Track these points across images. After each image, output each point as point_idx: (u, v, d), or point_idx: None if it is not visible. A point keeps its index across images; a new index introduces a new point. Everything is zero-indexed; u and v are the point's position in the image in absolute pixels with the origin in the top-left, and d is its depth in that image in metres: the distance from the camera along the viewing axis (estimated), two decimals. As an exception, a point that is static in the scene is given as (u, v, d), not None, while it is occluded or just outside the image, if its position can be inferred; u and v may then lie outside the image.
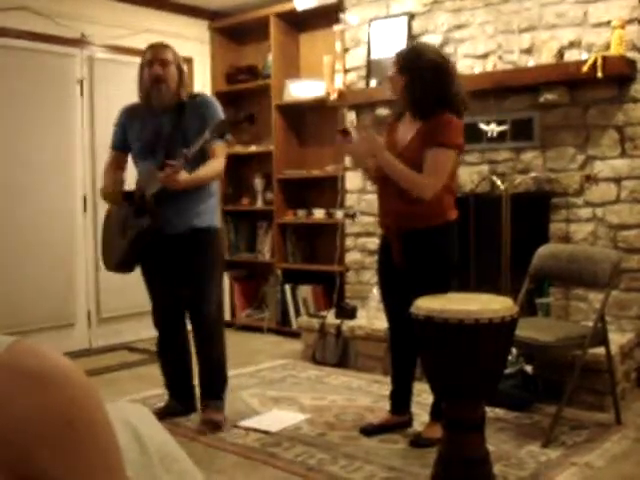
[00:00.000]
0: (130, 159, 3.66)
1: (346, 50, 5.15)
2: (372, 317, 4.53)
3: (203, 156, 3.33)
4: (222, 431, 3.42)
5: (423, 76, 3.05)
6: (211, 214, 3.53)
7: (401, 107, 3.29)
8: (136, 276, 5.41)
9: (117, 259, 3.52)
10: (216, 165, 3.40)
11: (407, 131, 3.19)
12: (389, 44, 4.83)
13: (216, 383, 3.59)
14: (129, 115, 3.58)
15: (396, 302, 3.21)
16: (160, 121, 3.44)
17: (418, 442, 3.18)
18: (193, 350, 3.68)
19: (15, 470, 0.68)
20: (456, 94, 3.10)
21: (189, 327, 3.65)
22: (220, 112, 3.45)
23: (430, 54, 3.12)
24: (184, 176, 3.24)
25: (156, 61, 3.39)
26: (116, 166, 3.64)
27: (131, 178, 3.63)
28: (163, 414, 3.49)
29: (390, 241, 3.25)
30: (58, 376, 0.71)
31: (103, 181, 3.64)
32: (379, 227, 3.49)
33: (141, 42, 5.54)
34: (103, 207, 5.30)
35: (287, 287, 5.64)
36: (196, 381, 3.66)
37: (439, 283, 3.05)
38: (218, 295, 3.61)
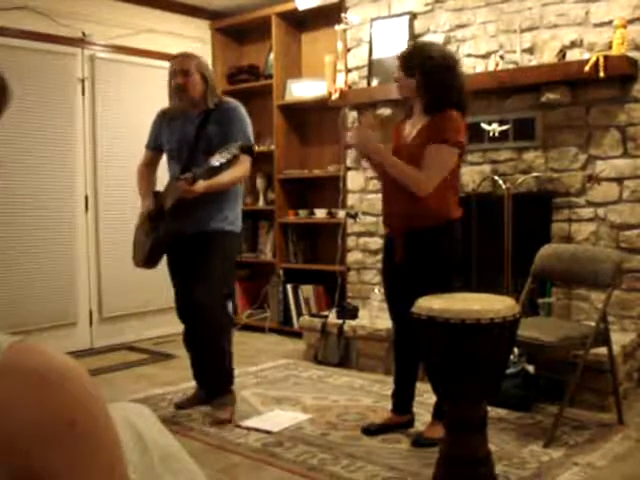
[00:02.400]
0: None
1: (348, 50, 5.14)
2: (374, 317, 4.53)
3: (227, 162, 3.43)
4: (229, 424, 3.50)
5: (435, 76, 3.07)
6: (227, 218, 3.62)
7: (407, 107, 3.31)
8: (137, 277, 5.43)
9: (142, 257, 3.73)
10: (235, 173, 3.52)
11: (413, 128, 3.21)
12: (391, 44, 4.83)
13: (217, 379, 3.65)
14: (163, 117, 3.76)
15: (400, 302, 3.20)
16: (187, 127, 3.61)
17: (420, 442, 3.18)
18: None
19: (17, 469, 0.67)
20: (460, 90, 3.11)
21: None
22: (241, 128, 3.57)
23: (433, 52, 3.13)
24: (200, 185, 3.39)
25: (179, 71, 3.57)
26: (148, 165, 3.85)
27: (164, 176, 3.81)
28: (191, 403, 3.76)
29: (394, 240, 3.25)
30: (60, 376, 0.71)
31: (137, 182, 3.86)
32: (383, 226, 3.49)
33: (142, 42, 5.57)
34: (104, 207, 5.34)
35: (289, 287, 5.64)
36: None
37: (442, 282, 3.05)
38: (224, 295, 3.68)
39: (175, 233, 3.60)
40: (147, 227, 3.70)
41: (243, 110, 3.65)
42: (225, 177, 3.49)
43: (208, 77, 3.62)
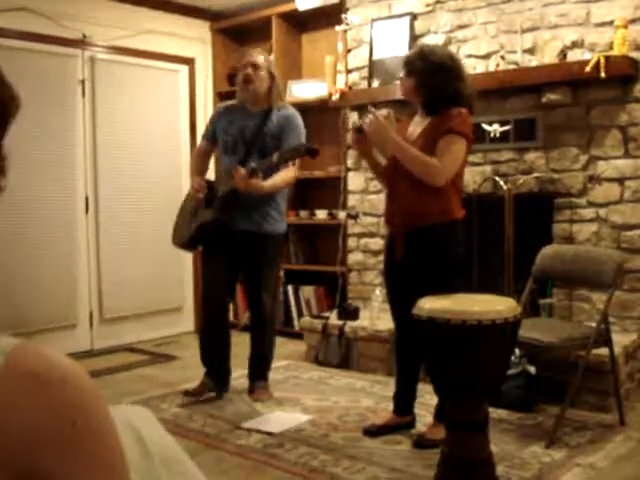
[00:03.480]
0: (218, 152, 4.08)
1: (348, 50, 5.14)
2: (375, 318, 4.53)
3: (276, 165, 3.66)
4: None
5: (431, 78, 3.08)
6: (276, 219, 3.86)
7: (411, 108, 3.32)
8: (137, 278, 5.44)
9: (183, 238, 3.95)
10: (287, 176, 3.75)
11: (417, 128, 3.21)
12: (391, 44, 4.82)
13: (265, 367, 4.00)
14: (222, 112, 3.97)
15: (401, 302, 3.20)
16: (247, 122, 3.79)
17: (421, 443, 3.17)
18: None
19: (18, 470, 0.67)
20: (464, 92, 3.11)
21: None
22: (298, 135, 3.79)
23: (438, 55, 3.14)
24: (258, 182, 3.57)
25: (248, 64, 3.78)
26: (203, 154, 4.09)
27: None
28: (198, 392, 3.87)
29: (395, 239, 3.25)
30: (61, 378, 0.71)
31: (190, 163, 4.17)
32: (384, 225, 3.49)
33: (143, 43, 5.57)
34: (104, 209, 5.34)
35: (289, 288, 5.64)
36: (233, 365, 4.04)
37: (444, 283, 3.04)
38: (274, 290, 4.03)
39: (223, 222, 3.76)
40: (194, 211, 3.87)
41: (300, 119, 3.87)
42: (279, 180, 3.70)
43: (275, 77, 3.83)
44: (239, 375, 4.12)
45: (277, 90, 3.83)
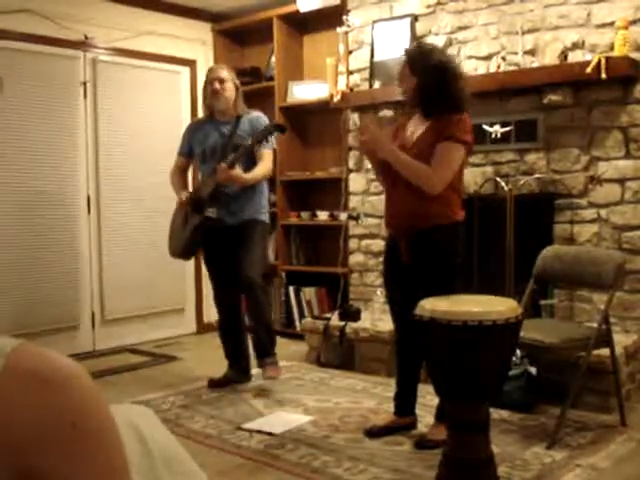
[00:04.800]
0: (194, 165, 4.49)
1: (349, 52, 5.15)
2: (376, 319, 4.53)
3: (254, 161, 4.04)
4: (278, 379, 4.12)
5: (432, 77, 3.08)
6: (258, 209, 4.15)
7: (410, 107, 3.31)
8: (139, 279, 5.44)
9: (180, 248, 4.15)
10: (265, 168, 4.09)
11: (416, 129, 3.21)
12: (392, 46, 4.82)
13: (268, 343, 4.12)
14: (194, 127, 4.34)
15: (402, 303, 3.20)
16: (220, 131, 4.12)
17: (423, 444, 3.17)
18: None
19: (19, 470, 0.68)
20: (462, 94, 3.12)
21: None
22: (267, 123, 4.16)
23: (438, 55, 3.16)
24: (238, 171, 3.92)
25: (214, 79, 4.13)
26: (180, 170, 4.38)
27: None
28: (223, 382, 4.19)
29: (398, 241, 3.25)
30: (62, 378, 0.71)
31: (171, 182, 4.33)
32: (385, 228, 3.49)
33: (144, 44, 5.57)
34: (106, 209, 5.34)
35: (291, 289, 5.64)
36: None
37: (445, 283, 3.05)
38: (261, 268, 4.14)
39: (219, 222, 3.99)
40: (184, 217, 4.11)
41: (266, 119, 4.27)
42: (258, 172, 4.04)
43: (238, 86, 4.21)
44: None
45: (241, 98, 4.21)
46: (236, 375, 4.25)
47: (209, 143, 4.14)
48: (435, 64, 3.10)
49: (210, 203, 3.97)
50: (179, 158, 4.36)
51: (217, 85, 4.11)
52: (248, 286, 4.04)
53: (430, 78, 3.08)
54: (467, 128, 3.10)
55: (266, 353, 4.12)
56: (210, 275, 4.34)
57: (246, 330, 4.35)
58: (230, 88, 4.14)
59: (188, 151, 4.29)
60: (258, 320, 4.11)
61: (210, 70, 4.32)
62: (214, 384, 4.18)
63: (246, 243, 4.08)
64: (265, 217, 4.22)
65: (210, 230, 4.02)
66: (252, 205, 4.12)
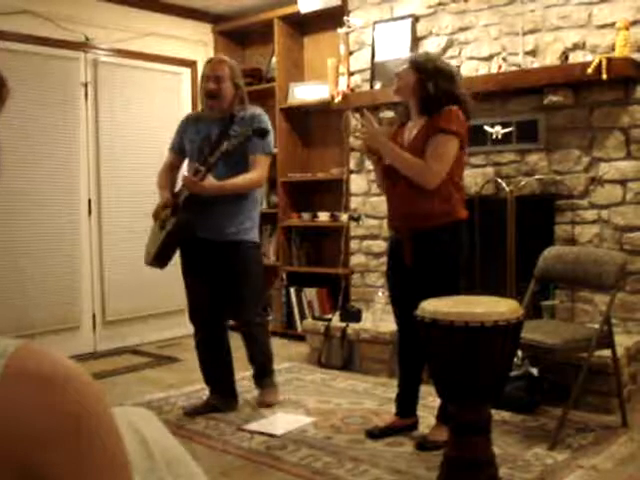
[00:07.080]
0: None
1: (350, 53, 5.15)
2: (377, 320, 4.53)
3: (245, 167, 3.53)
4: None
5: (435, 76, 3.11)
6: (246, 228, 3.65)
7: (406, 108, 3.31)
8: (140, 280, 5.44)
9: (152, 254, 3.65)
10: (251, 176, 3.55)
11: (413, 130, 3.22)
12: (393, 47, 4.83)
13: (266, 362, 3.85)
14: (188, 121, 3.82)
15: (404, 304, 3.20)
16: (211, 128, 3.63)
17: (424, 445, 3.17)
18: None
19: (21, 471, 0.68)
20: (463, 97, 3.14)
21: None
22: (263, 123, 3.62)
23: (440, 61, 3.26)
24: (210, 182, 3.42)
25: (211, 77, 3.61)
26: (171, 166, 3.85)
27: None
28: (204, 409, 3.70)
29: (401, 242, 3.25)
30: (64, 379, 0.71)
31: (157, 178, 3.81)
32: (388, 229, 3.49)
33: (145, 45, 5.58)
34: (107, 211, 5.35)
35: (292, 290, 5.64)
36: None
37: (448, 284, 3.05)
38: (255, 302, 3.79)
39: (193, 233, 3.58)
40: (161, 222, 3.66)
41: (266, 117, 3.73)
42: (240, 179, 3.52)
43: (239, 85, 3.70)
44: (241, 377, 4.11)
45: (240, 96, 3.70)
46: (220, 401, 3.77)
47: (197, 142, 3.68)
48: (439, 66, 3.16)
49: (183, 210, 3.54)
50: (169, 154, 3.87)
51: (212, 85, 3.60)
52: (246, 326, 3.79)
53: (434, 76, 3.11)
54: (458, 119, 3.10)
55: (264, 372, 3.88)
56: (187, 288, 3.80)
57: (230, 350, 3.85)
58: (227, 89, 3.63)
59: (179, 146, 3.80)
60: (257, 353, 3.84)
61: (209, 63, 3.76)
62: (193, 412, 3.71)
63: (239, 276, 3.66)
64: (254, 235, 3.71)
65: (189, 240, 3.61)
66: (236, 220, 3.61)
